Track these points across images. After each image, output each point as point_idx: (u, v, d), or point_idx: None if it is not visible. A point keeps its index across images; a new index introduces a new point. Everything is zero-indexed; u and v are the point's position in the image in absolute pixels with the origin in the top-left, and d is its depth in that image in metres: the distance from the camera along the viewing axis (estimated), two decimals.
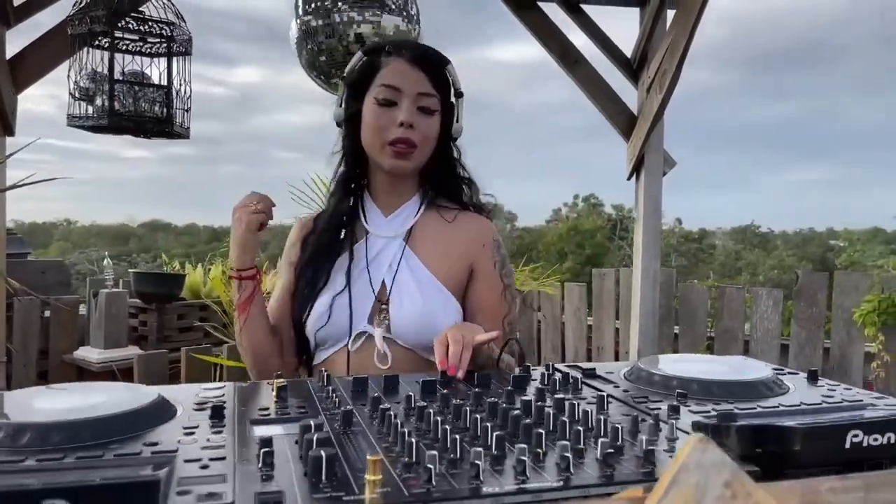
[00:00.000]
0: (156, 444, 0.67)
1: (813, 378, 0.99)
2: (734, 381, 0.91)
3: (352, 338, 1.28)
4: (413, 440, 0.64)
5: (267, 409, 0.82)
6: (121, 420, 0.71)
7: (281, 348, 1.36)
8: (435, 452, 0.60)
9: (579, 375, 0.99)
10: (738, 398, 0.88)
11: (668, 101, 2.82)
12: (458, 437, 0.65)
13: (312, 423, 0.68)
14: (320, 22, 2.28)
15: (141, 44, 2.16)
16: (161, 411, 0.78)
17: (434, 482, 0.58)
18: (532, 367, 1.07)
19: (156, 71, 2.22)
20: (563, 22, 3.03)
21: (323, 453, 0.59)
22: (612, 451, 0.65)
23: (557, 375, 0.97)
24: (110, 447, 0.66)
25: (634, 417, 0.74)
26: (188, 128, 2.30)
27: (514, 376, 0.96)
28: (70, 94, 2.11)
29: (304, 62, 2.37)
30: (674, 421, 0.76)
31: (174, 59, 2.23)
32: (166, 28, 2.12)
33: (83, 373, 3.88)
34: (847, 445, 0.65)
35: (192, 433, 0.71)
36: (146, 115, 2.08)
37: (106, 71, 2.05)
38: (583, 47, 3.08)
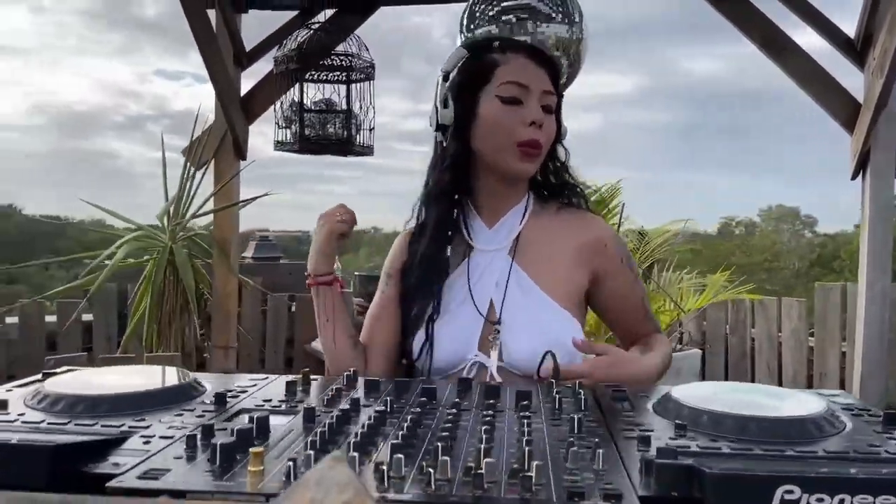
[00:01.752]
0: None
1: (891, 422, 0.80)
2: (769, 418, 0.77)
3: (466, 368, 1.20)
4: (312, 440, 0.67)
5: (270, 399, 0.91)
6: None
7: (364, 357, 1.30)
8: (311, 453, 0.63)
9: (588, 395, 0.92)
10: (768, 437, 0.74)
11: (893, 85, 2.37)
12: (353, 441, 0.66)
13: (257, 416, 0.75)
14: (485, 32, 2.34)
15: (328, 73, 2.45)
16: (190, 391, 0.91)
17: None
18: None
19: (357, 96, 2.52)
20: (770, 9, 2.71)
21: (220, 442, 0.65)
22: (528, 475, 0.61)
23: (576, 396, 0.91)
24: None
25: (569, 442, 0.68)
26: (371, 146, 2.55)
27: (489, 386, 0.93)
28: (276, 122, 2.48)
29: None
30: (641, 452, 0.68)
31: (358, 84, 2.49)
32: (346, 59, 2.38)
33: (320, 361, 4.43)
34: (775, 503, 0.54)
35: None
36: (331, 138, 2.36)
37: (307, 102, 2.38)
38: (792, 31, 2.72)
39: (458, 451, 0.67)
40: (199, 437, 0.69)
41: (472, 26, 2.39)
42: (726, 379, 3.59)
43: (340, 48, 2.48)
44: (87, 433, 0.71)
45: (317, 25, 2.59)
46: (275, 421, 0.78)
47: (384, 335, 1.31)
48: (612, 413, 0.85)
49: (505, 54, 1.25)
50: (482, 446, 0.65)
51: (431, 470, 0.59)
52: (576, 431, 0.76)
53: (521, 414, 0.80)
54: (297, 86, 2.50)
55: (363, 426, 0.72)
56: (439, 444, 0.65)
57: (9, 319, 3.72)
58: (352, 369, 1.02)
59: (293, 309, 4.52)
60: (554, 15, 2.34)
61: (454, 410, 0.80)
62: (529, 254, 1.26)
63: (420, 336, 1.23)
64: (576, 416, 0.77)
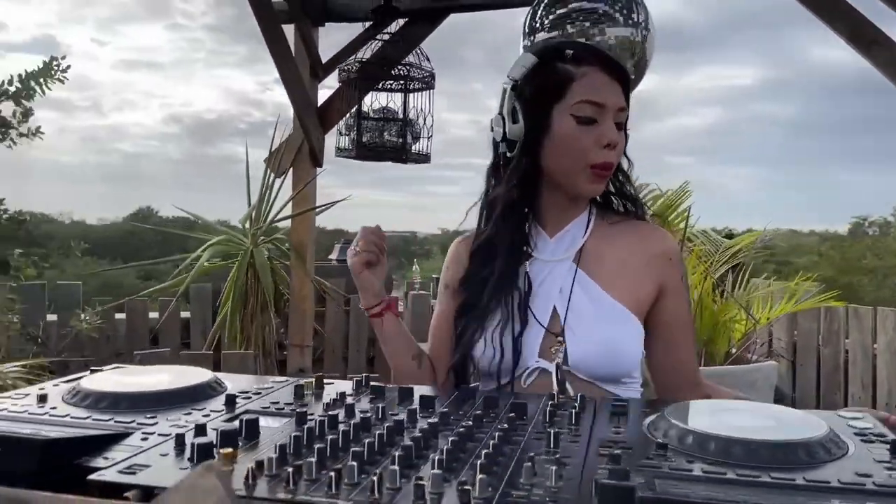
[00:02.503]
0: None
1: None
2: (755, 441, 0.73)
3: (525, 373, 1.19)
4: (282, 444, 0.70)
5: (278, 402, 0.95)
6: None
7: (432, 372, 1.29)
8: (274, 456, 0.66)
9: (586, 409, 0.90)
10: (752, 461, 0.71)
11: None
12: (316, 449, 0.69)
13: (246, 418, 0.79)
14: (543, 38, 2.32)
15: (388, 82, 2.51)
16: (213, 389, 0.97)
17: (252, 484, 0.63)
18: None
19: (410, 104, 2.56)
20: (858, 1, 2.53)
21: (197, 441, 0.70)
22: (466, 488, 0.62)
23: (571, 409, 0.90)
24: None
25: (531, 457, 0.68)
26: (428, 154, 2.58)
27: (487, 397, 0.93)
28: (338, 130, 2.57)
29: None
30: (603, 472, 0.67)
31: (416, 93, 2.54)
32: (404, 69, 2.42)
33: None
34: None
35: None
36: (387, 145, 2.42)
37: (365, 109, 2.45)
38: (881, 23, 2.52)
39: (417, 461, 0.68)
40: (188, 436, 0.74)
41: (536, 30, 2.37)
42: (818, 393, 3.35)
43: (394, 53, 2.54)
44: (96, 428, 0.78)
45: (386, 37, 2.65)
46: (269, 423, 0.83)
47: (450, 349, 1.27)
48: (603, 429, 0.83)
49: (580, 67, 1.18)
50: (439, 457, 0.66)
51: (376, 476, 0.61)
52: (551, 447, 0.75)
53: (505, 427, 0.80)
54: (357, 94, 2.57)
55: (341, 433, 0.75)
56: (398, 453, 0.66)
57: (118, 315, 4.06)
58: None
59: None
60: (619, 17, 2.29)
61: (435, 420, 0.81)
62: (595, 263, 1.22)
63: (479, 346, 1.21)
64: (553, 431, 0.76)
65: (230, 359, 2.47)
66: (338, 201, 2.99)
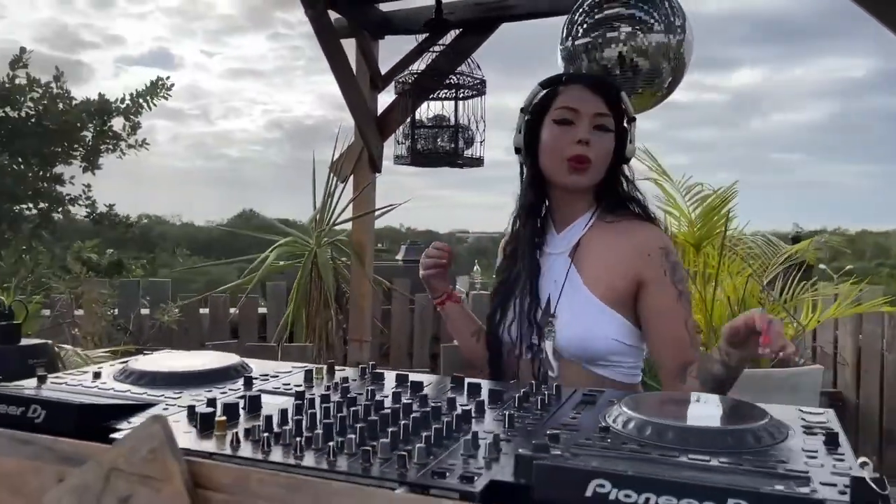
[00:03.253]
0: None
1: (831, 442, 0.77)
2: (688, 427, 0.78)
3: (524, 348, 1.40)
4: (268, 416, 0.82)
5: (289, 384, 1.08)
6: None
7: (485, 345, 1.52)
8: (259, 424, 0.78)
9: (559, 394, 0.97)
10: (682, 444, 0.76)
11: None
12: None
13: (249, 395, 0.92)
14: (582, 43, 2.36)
15: (442, 91, 2.62)
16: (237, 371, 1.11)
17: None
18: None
19: (462, 111, 2.67)
20: None
21: (200, 411, 0.83)
22: (402, 454, 0.71)
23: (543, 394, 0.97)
24: None
25: (475, 433, 0.76)
26: (481, 157, 2.68)
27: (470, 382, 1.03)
28: (395, 140, 2.70)
29: None
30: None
31: (471, 100, 2.64)
32: (453, 77, 2.53)
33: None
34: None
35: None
36: (440, 151, 2.53)
37: (419, 118, 2.57)
38: None
39: (379, 433, 0.78)
40: (200, 408, 0.87)
41: (569, 38, 2.42)
42: (881, 399, 3.20)
43: (447, 65, 2.65)
44: (127, 399, 0.93)
45: (441, 48, 2.77)
46: (272, 400, 0.95)
47: None
48: (564, 414, 0.91)
49: (567, 86, 1.42)
50: (395, 430, 0.76)
51: (333, 443, 0.72)
52: (505, 427, 0.84)
53: (469, 408, 0.89)
54: (411, 104, 2.70)
55: (323, 409, 0.86)
56: (361, 426, 0.77)
57: (202, 310, 4.37)
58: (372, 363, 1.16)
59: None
60: (651, 22, 2.30)
61: (412, 401, 0.91)
62: (585, 257, 1.39)
63: (504, 331, 1.44)
64: (509, 413, 0.85)
65: (291, 350, 2.65)
66: (396, 205, 3.14)
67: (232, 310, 4.27)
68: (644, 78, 2.37)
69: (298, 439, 0.75)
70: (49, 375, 1.03)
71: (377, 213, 3.25)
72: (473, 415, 0.88)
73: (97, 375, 1.07)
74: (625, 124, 1.43)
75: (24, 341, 1.36)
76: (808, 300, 2.57)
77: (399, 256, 4.87)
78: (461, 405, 0.90)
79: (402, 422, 0.79)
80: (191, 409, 0.87)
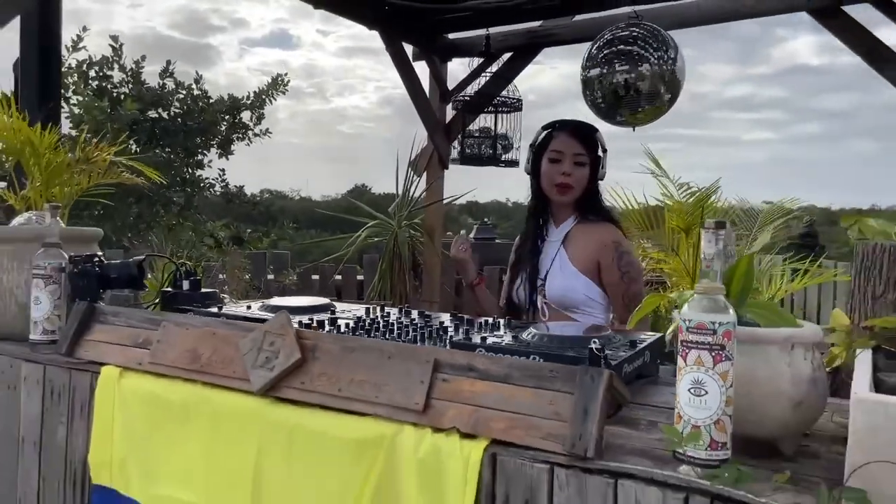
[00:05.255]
0: None
1: (632, 345, 1.43)
2: (548, 334, 1.47)
3: (528, 304, 2.17)
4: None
5: (357, 315, 1.84)
6: None
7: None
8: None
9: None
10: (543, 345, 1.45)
11: None
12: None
13: (316, 318, 1.69)
14: (595, 73, 2.94)
15: (493, 108, 3.31)
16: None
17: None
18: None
19: (501, 124, 3.35)
20: (870, 21, 2.83)
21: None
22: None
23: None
24: None
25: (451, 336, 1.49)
26: (517, 160, 3.35)
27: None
28: (451, 145, 3.40)
29: (590, 104, 3.07)
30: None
31: (509, 114, 3.31)
32: (497, 99, 3.20)
33: None
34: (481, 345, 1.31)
35: None
36: (482, 156, 3.23)
37: (470, 128, 3.27)
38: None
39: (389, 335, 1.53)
40: (303, 320, 1.65)
41: (588, 67, 3.00)
42: None
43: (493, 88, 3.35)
44: (253, 318, 1.72)
45: (488, 75, 3.47)
46: (343, 317, 1.72)
47: None
48: (497, 328, 1.61)
49: (558, 131, 2.14)
50: (406, 336, 1.50)
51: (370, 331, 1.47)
52: (446, 339, 1.56)
53: (444, 326, 1.61)
54: (463, 120, 3.42)
55: (357, 326, 1.62)
56: (379, 334, 1.51)
57: (314, 276, 5.31)
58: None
59: (503, 279, 5.48)
60: (646, 55, 2.85)
61: (422, 323, 1.65)
62: (570, 244, 2.13)
63: (518, 290, 2.19)
64: (479, 332, 1.57)
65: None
66: (459, 196, 3.87)
67: (337, 277, 5.17)
68: (645, 98, 2.95)
69: (351, 330, 1.50)
70: (223, 305, 1.85)
71: (444, 202, 3.98)
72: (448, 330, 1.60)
73: (249, 307, 1.88)
74: (599, 153, 2.12)
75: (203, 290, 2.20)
76: (776, 272, 3.03)
77: (471, 235, 5.61)
78: (451, 330, 1.64)
79: (412, 332, 1.54)
80: (300, 322, 1.65)
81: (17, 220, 1.89)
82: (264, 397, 1.27)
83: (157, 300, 1.90)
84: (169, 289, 1.94)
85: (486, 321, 1.69)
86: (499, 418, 1.06)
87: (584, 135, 2.12)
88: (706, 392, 0.94)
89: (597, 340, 1.28)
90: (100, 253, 1.89)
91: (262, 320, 1.39)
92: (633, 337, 1.51)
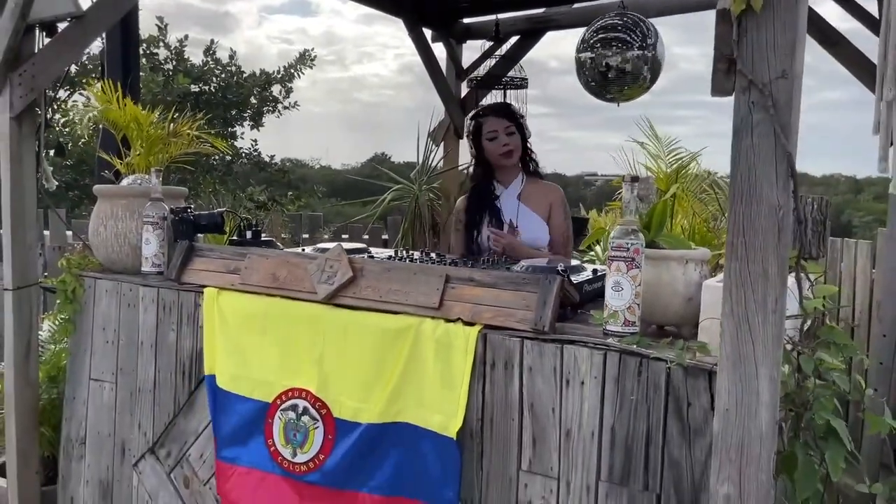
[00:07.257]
0: None
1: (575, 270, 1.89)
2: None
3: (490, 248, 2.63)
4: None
5: (387, 253, 2.31)
6: None
7: None
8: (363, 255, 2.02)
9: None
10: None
11: None
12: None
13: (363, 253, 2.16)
14: (587, 55, 3.33)
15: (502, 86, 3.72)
16: None
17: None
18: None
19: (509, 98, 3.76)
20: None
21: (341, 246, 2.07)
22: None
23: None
24: None
25: (433, 258, 1.95)
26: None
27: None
28: (466, 117, 3.83)
29: (583, 83, 3.46)
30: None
31: (516, 90, 3.71)
32: (498, 77, 3.60)
33: None
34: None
35: None
36: None
37: (482, 103, 3.69)
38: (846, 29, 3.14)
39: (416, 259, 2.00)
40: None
41: (582, 49, 3.38)
42: None
43: (501, 69, 3.74)
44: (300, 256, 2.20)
45: (497, 58, 3.87)
46: (375, 253, 2.19)
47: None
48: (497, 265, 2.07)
49: (487, 117, 2.66)
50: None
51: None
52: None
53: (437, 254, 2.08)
54: (475, 96, 3.82)
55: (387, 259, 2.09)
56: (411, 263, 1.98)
57: (343, 235, 5.80)
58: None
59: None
60: (631, 41, 3.22)
61: (437, 258, 2.12)
62: (526, 199, 2.64)
63: (482, 235, 2.65)
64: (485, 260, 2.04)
65: None
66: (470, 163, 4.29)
67: (365, 237, 5.66)
68: (630, 78, 3.33)
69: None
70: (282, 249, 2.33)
71: (460, 168, 4.42)
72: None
73: (304, 249, 2.35)
74: (520, 121, 2.65)
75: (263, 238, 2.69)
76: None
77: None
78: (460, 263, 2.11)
79: (422, 260, 2.01)
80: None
81: (126, 181, 2.38)
82: (327, 304, 1.76)
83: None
84: (235, 237, 2.43)
85: (486, 259, 2.16)
86: (489, 311, 1.53)
87: (506, 112, 2.67)
88: (622, 289, 1.40)
89: (563, 265, 1.74)
90: (191, 206, 2.37)
91: (324, 250, 1.87)
92: (596, 268, 1.97)
